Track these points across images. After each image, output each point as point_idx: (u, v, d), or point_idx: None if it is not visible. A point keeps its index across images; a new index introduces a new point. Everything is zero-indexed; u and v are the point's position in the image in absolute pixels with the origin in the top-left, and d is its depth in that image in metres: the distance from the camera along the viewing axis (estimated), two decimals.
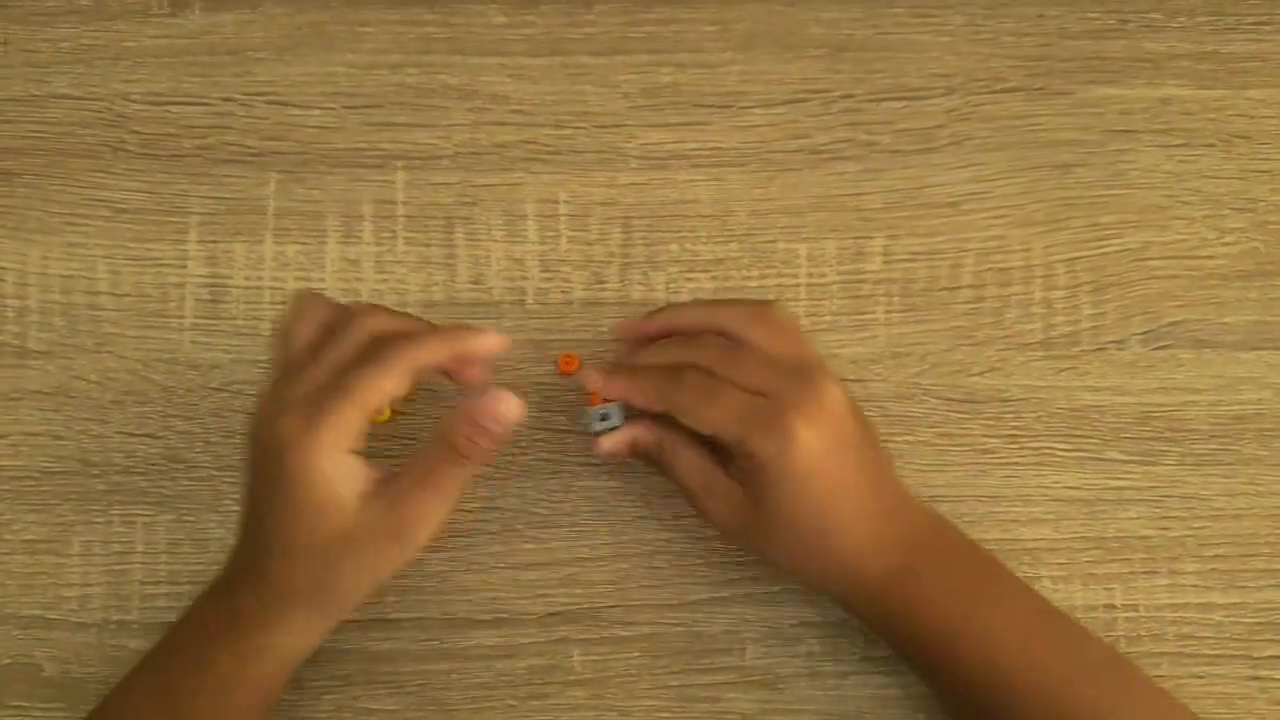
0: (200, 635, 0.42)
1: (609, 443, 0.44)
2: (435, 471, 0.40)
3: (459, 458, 0.40)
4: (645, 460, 0.45)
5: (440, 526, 0.41)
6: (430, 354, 0.40)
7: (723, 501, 0.43)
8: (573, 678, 0.47)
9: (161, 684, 0.42)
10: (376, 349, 0.40)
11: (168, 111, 0.50)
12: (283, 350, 0.42)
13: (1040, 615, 0.43)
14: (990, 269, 0.50)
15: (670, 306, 0.46)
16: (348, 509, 0.39)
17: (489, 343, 0.42)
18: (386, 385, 0.39)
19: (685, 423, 0.42)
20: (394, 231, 0.50)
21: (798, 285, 0.50)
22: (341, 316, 0.42)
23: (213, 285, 0.49)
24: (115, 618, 0.47)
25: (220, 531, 0.48)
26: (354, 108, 0.50)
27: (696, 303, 0.48)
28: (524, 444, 0.48)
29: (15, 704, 0.46)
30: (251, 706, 0.41)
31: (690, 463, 0.43)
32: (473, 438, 0.40)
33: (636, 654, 0.47)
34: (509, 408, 0.40)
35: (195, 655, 0.41)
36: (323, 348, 0.40)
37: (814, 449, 0.40)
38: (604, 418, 0.44)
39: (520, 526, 0.48)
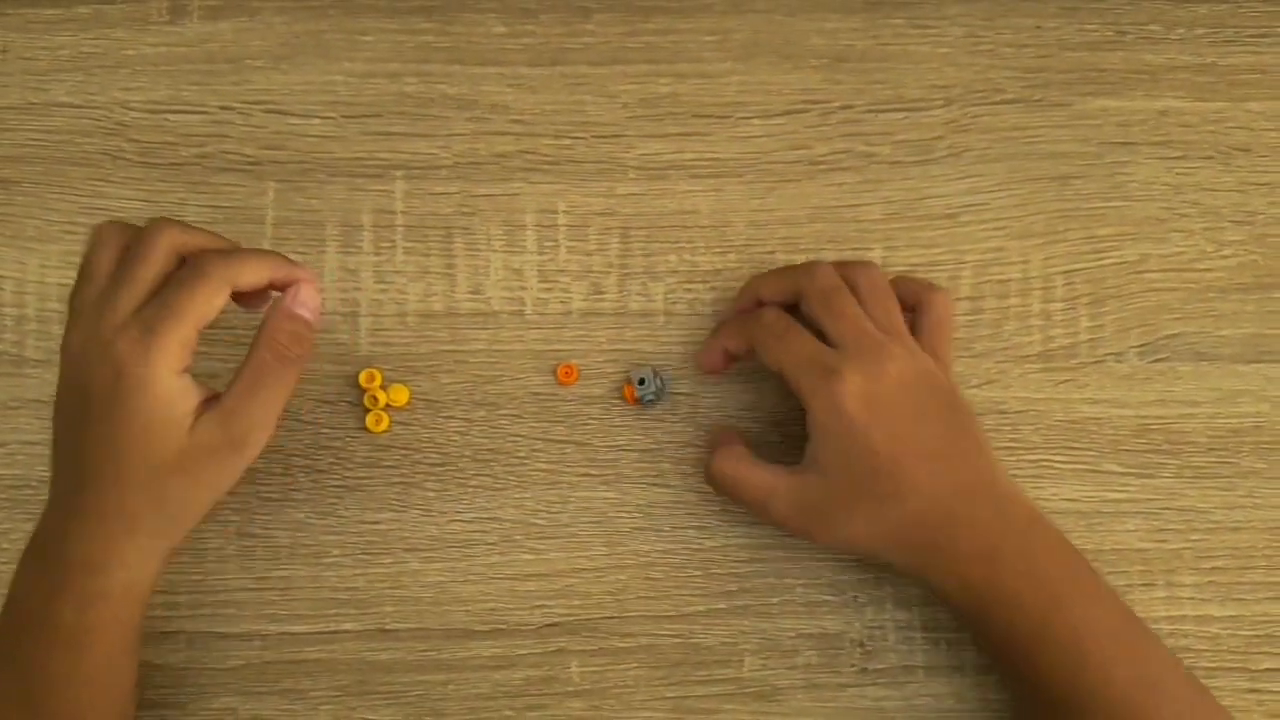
0: (38, 593, 0.40)
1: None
2: (265, 376, 0.41)
3: (285, 357, 0.41)
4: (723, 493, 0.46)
5: (273, 430, 0.42)
6: (253, 273, 0.41)
7: (793, 488, 0.43)
8: (570, 689, 0.47)
9: (9, 653, 0.41)
10: (198, 264, 0.40)
11: (166, 120, 0.50)
12: (88, 277, 0.41)
13: (1128, 622, 0.42)
14: (988, 281, 0.50)
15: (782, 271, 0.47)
16: (183, 427, 0.40)
17: (309, 286, 0.43)
18: (216, 300, 0.40)
19: (759, 356, 0.44)
20: (393, 241, 0.50)
21: None
22: (136, 235, 0.41)
23: None
24: None
25: (218, 541, 0.48)
26: (353, 117, 0.50)
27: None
28: (522, 455, 0.48)
29: None
30: (108, 655, 0.41)
31: (749, 466, 0.44)
32: (295, 332, 0.42)
33: (634, 665, 0.47)
34: (310, 291, 0.42)
35: (37, 614, 0.40)
36: (129, 266, 0.40)
37: (865, 399, 0.41)
38: (641, 381, 0.47)
39: (518, 537, 0.48)
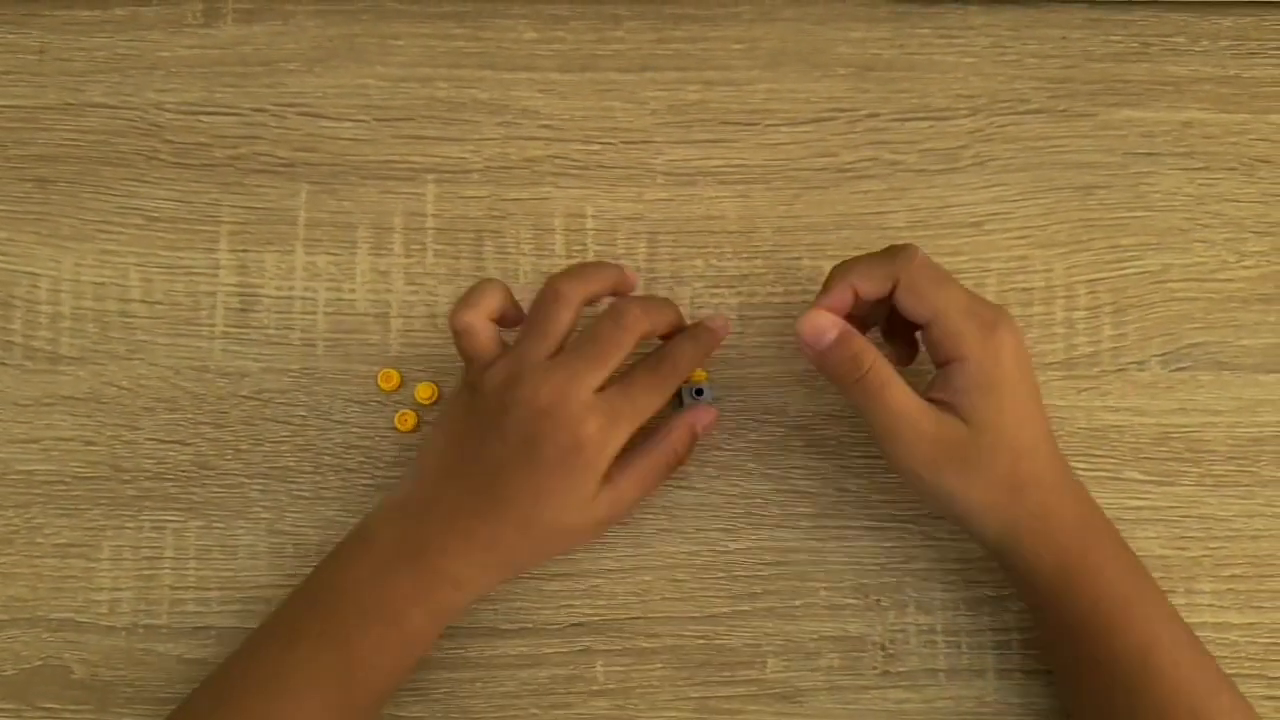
0: (397, 593, 0.42)
1: (821, 319, 0.42)
2: (654, 473, 0.46)
3: (674, 463, 0.46)
4: (838, 378, 0.42)
5: None
6: (697, 360, 0.46)
7: (931, 425, 0.42)
8: (595, 688, 0.48)
9: (333, 632, 0.42)
10: (659, 368, 0.45)
11: (200, 121, 0.51)
12: (544, 334, 0.44)
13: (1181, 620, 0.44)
14: (1012, 289, 0.50)
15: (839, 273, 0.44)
16: (594, 503, 0.43)
17: (712, 414, 0.48)
18: (662, 404, 0.45)
19: (907, 301, 0.43)
20: (424, 244, 0.50)
21: None
22: (611, 310, 0.44)
23: (243, 294, 0.50)
24: (144, 622, 0.48)
25: (249, 538, 0.48)
26: (385, 120, 0.51)
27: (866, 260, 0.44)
28: None
29: (45, 705, 0.47)
30: (426, 649, 0.44)
31: (902, 388, 0.42)
32: (690, 444, 0.47)
33: (658, 666, 0.48)
34: (712, 416, 0.48)
35: (387, 609, 0.42)
36: (600, 346, 0.43)
37: (1019, 355, 0.42)
38: (698, 392, 0.49)
39: None
